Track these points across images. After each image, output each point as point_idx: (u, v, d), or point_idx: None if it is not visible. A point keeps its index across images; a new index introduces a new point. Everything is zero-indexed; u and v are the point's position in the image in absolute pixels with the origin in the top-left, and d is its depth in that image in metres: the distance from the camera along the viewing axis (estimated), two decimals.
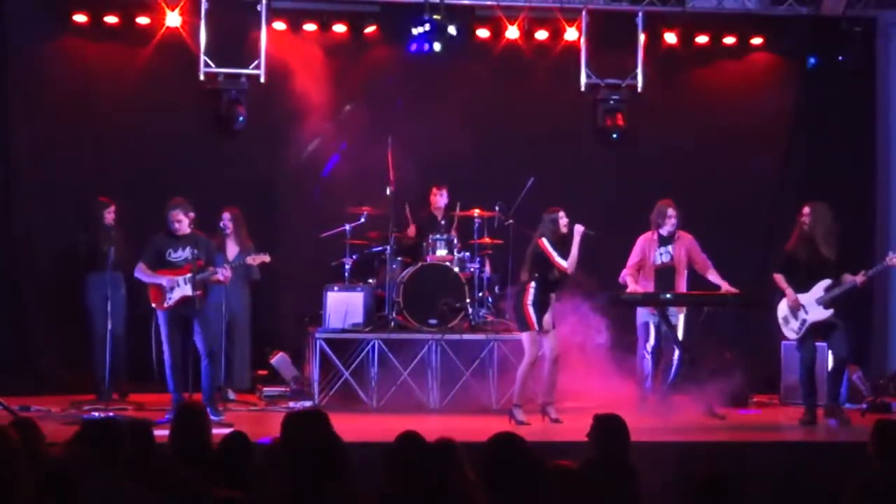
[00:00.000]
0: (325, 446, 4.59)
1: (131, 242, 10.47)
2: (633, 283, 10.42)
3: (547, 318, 9.74)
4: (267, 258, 10.18)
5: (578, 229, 9.75)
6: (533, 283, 9.71)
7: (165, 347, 9.67)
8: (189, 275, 9.56)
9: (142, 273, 9.70)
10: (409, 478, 4.60)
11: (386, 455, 4.77)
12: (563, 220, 9.79)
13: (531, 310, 9.67)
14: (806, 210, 10.03)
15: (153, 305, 9.70)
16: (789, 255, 10.13)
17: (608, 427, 5.43)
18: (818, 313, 9.97)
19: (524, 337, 9.75)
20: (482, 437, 5.02)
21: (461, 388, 10.54)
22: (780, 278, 10.13)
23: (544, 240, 9.76)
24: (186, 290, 9.58)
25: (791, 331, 10.17)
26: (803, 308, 10.01)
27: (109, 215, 10.58)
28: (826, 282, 9.94)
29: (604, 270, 10.56)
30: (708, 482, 4.31)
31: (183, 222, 9.68)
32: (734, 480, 4.32)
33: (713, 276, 10.41)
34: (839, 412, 9.92)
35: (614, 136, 12.26)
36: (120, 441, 4.86)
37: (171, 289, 9.57)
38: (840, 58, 12.19)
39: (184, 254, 9.67)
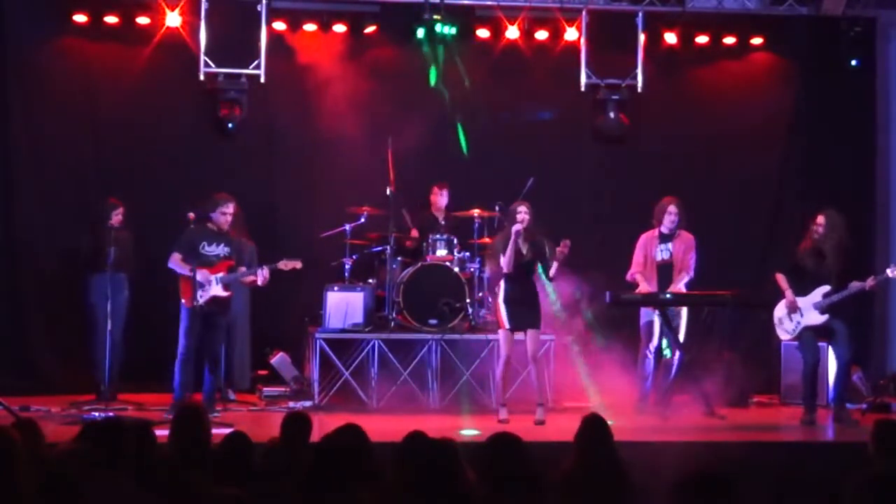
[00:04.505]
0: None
1: (136, 243, 10.49)
2: (642, 280, 10.39)
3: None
4: (298, 265, 10.00)
5: (515, 228, 9.65)
6: (502, 281, 9.77)
7: (182, 340, 9.58)
8: (221, 274, 9.55)
9: (175, 264, 9.57)
10: (417, 477, 4.60)
11: (394, 454, 4.77)
12: (521, 216, 9.69)
13: (502, 307, 9.73)
14: (820, 219, 10.01)
15: (182, 301, 9.62)
16: (796, 261, 10.13)
17: (587, 428, 5.45)
18: (813, 318, 9.99)
19: (498, 335, 9.86)
20: (482, 437, 5.02)
21: (461, 388, 10.55)
22: (781, 278, 10.14)
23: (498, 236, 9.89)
24: (218, 290, 9.55)
25: (784, 332, 10.20)
26: (799, 311, 10.03)
27: (117, 217, 10.51)
28: (825, 288, 9.95)
29: (604, 270, 10.54)
30: (705, 480, 4.31)
31: (229, 216, 9.65)
32: (730, 478, 4.31)
33: (679, 280, 10.35)
34: (846, 416, 9.91)
35: (614, 136, 12.24)
36: (123, 441, 4.86)
37: (203, 286, 9.49)
38: (840, 58, 12.22)
39: (217, 249, 9.63)
